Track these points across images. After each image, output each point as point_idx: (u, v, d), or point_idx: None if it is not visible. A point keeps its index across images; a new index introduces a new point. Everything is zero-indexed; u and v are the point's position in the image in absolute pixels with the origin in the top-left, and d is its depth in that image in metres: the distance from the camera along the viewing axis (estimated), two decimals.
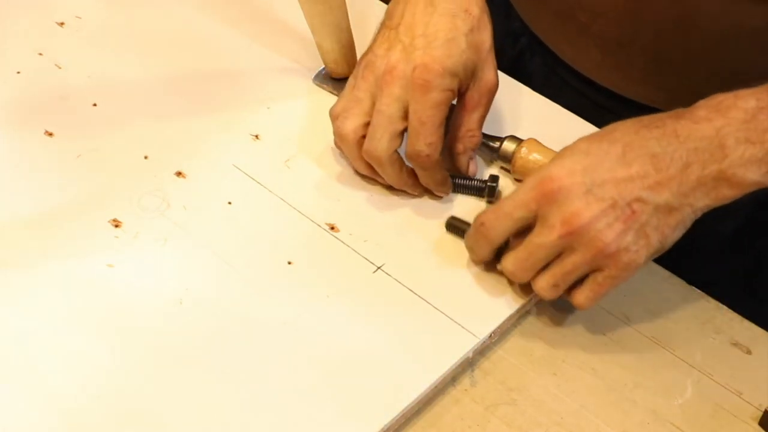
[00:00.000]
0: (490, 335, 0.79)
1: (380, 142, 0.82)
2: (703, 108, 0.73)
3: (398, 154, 0.84)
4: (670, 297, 0.84)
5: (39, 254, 0.81)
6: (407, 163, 0.85)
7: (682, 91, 0.88)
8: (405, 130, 0.83)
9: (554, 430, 0.75)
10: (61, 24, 1.01)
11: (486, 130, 0.91)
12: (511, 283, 0.81)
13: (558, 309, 0.82)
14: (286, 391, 0.74)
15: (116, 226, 0.84)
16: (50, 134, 0.90)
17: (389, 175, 0.85)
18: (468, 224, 0.82)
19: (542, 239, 0.74)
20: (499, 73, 0.97)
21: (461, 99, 0.86)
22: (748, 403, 0.78)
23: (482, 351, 0.79)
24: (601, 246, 0.73)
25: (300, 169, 0.89)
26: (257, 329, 0.78)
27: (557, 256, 0.75)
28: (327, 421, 0.73)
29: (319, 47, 0.95)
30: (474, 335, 0.78)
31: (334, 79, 0.97)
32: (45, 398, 0.72)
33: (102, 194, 0.86)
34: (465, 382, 0.78)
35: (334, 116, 0.86)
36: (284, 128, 0.93)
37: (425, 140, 0.82)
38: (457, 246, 0.84)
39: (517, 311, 0.81)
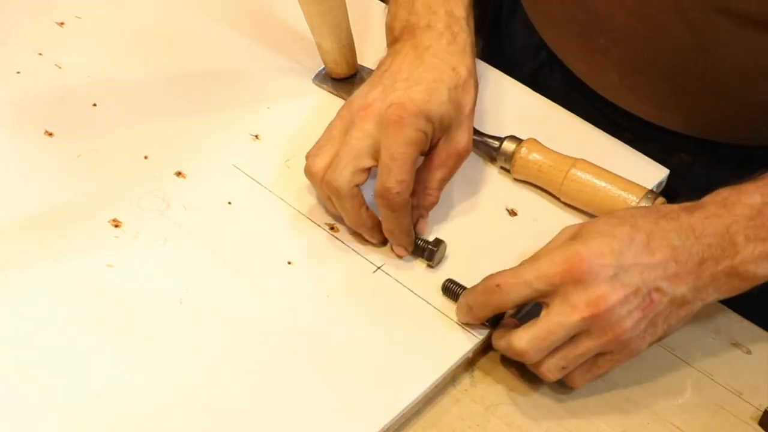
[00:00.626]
0: (490, 335, 0.79)
1: (342, 174, 0.79)
2: (710, 204, 0.74)
3: (359, 191, 0.81)
4: None
5: (39, 254, 0.81)
6: (373, 206, 0.82)
7: (701, 116, 0.88)
8: (370, 169, 0.81)
9: (554, 430, 0.75)
10: (61, 24, 1.01)
11: (486, 130, 0.92)
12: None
13: None
14: (286, 391, 0.74)
15: (116, 226, 0.84)
16: (50, 134, 0.90)
17: (347, 210, 0.81)
18: (463, 288, 0.80)
19: (564, 319, 0.71)
20: (501, 73, 0.98)
21: (428, 154, 0.84)
22: (748, 403, 0.78)
23: (482, 351, 0.79)
24: (618, 332, 0.72)
25: (300, 169, 0.88)
26: (257, 329, 0.78)
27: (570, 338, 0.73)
28: (327, 421, 0.73)
29: (319, 47, 0.95)
30: (474, 335, 0.78)
31: (334, 79, 0.97)
32: (45, 398, 0.73)
33: (102, 194, 0.86)
34: (465, 382, 0.78)
35: (308, 156, 0.83)
36: (284, 128, 0.93)
37: (396, 177, 0.78)
38: (456, 246, 0.84)
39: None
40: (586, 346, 0.73)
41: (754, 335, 0.82)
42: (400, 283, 0.82)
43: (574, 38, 0.91)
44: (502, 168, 0.90)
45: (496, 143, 0.90)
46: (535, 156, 0.88)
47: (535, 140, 0.89)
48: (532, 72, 0.98)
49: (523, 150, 0.88)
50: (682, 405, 0.78)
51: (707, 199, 0.75)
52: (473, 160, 0.91)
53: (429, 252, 0.82)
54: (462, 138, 0.84)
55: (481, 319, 0.77)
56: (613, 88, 0.92)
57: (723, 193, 0.74)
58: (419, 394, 0.75)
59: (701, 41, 0.81)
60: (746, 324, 0.83)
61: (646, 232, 0.73)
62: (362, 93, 0.83)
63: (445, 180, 0.84)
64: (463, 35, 0.86)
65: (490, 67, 0.99)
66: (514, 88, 0.98)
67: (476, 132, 0.91)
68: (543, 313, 0.73)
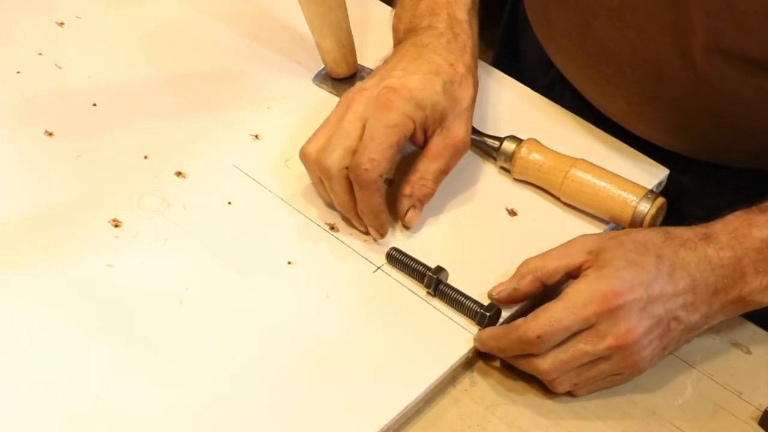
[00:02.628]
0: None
1: (332, 155, 0.81)
2: (723, 234, 0.76)
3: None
4: None
5: (39, 254, 0.81)
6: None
7: (707, 144, 0.89)
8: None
9: (554, 430, 0.75)
10: (61, 24, 1.01)
11: (486, 130, 0.92)
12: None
13: None
14: (286, 390, 0.74)
15: (116, 226, 0.84)
16: (50, 134, 0.90)
17: (336, 192, 0.82)
18: (410, 258, 0.81)
19: (591, 348, 0.74)
20: (501, 74, 0.98)
21: (425, 144, 0.85)
22: (748, 403, 0.78)
23: (482, 351, 0.79)
24: (637, 360, 0.75)
25: (300, 169, 0.88)
26: (257, 329, 0.78)
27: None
28: (327, 421, 0.73)
29: (319, 47, 0.95)
30: (474, 335, 0.78)
31: (334, 79, 0.97)
32: (44, 398, 0.72)
33: (102, 194, 0.86)
34: (465, 382, 0.78)
35: (303, 145, 0.84)
36: (284, 128, 0.93)
37: (369, 155, 0.80)
38: (456, 246, 0.84)
39: (516, 312, 0.81)
40: (602, 369, 0.75)
41: (754, 335, 0.82)
42: (400, 283, 0.82)
43: (582, 66, 0.92)
44: (502, 168, 0.90)
45: (496, 143, 0.90)
46: (535, 156, 0.88)
47: (535, 140, 0.89)
48: (544, 88, 0.99)
49: (523, 150, 0.88)
50: (682, 405, 0.77)
51: (719, 228, 0.77)
52: (473, 160, 0.91)
53: (429, 279, 0.80)
54: (459, 131, 0.85)
55: (507, 356, 0.78)
56: (621, 114, 0.93)
57: (734, 223, 0.76)
58: (419, 394, 0.75)
59: (703, 79, 0.82)
60: (746, 324, 0.82)
61: (670, 263, 0.75)
62: (361, 83, 0.85)
63: (441, 172, 0.85)
64: (464, 36, 0.88)
65: (492, 68, 0.99)
66: (515, 89, 0.98)
67: (476, 132, 0.91)
68: (568, 342, 0.74)
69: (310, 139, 0.83)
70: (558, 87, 1.00)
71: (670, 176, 0.91)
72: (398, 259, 0.82)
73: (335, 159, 0.81)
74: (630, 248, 0.75)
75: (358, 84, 0.85)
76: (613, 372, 0.75)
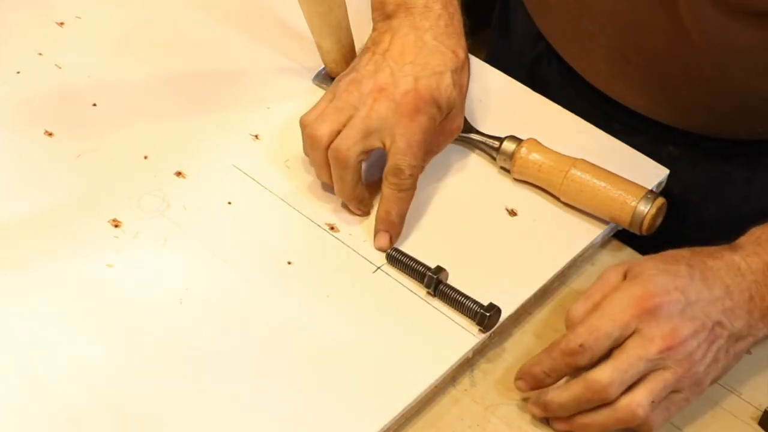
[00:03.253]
0: (490, 335, 0.79)
1: (353, 147, 0.82)
2: (747, 243, 0.77)
3: (361, 166, 0.84)
4: None
5: (39, 254, 0.81)
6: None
7: (684, 107, 0.89)
8: (371, 151, 0.84)
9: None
10: (61, 24, 1.01)
11: (486, 130, 0.92)
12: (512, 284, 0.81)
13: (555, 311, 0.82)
14: (286, 390, 0.74)
15: (116, 226, 0.84)
16: (50, 134, 0.90)
17: (347, 181, 0.83)
18: (410, 258, 0.81)
19: (643, 352, 0.72)
20: (501, 74, 0.98)
21: None
22: (748, 403, 0.78)
23: (482, 351, 0.79)
24: (691, 364, 0.73)
25: (300, 169, 0.89)
26: (257, 329, 0.78)
27: (646, 373, 0.73)
28: (327, 421, 0.73)
29: (319, 47, 0.95)
30: (474, 335, 0.78)
31: (334, 79, 0.96)
32: (44, 398, 0.73)
33: (102, 194, 0.86)
34: (465, 382, 0.78)
35: (307, 122, 0.85)
36: (284, 128, 0.93)
37: (411, 162, 0.82)
38: (456, 246, 0.84)
39: (516, 312, 0.81)
40: (665, 379, 0.73)
41: None
42: (400, 283, 0.82)
43: (564, 23, 0.93)
44: (502, 168, 0.90)
45: (496, 143, 0.90)
46: (535, 156, 0.88)
47: (535, 140, 0.89)
48: (532, 62, 1.00)
49: (523, 150, 0.88)
50: None
51: (743, 239, 0.78)
52: (473, 160, 0.91)
53: (429, 279, 0.80)
54: (457, 118, 0.88)
55: (554, 383, 0.75)
56: (601, 77, 0.94)
57: (756, 233, 0.78)
58: (419, 394, 0.75)
59: (679, 28, 0.83)
60: None
61: (701, 270, 0.75)
62: (369, 74, 0.85)
63: (433, 153, 0.88)
64: (457, 15, 0.90)
65: (492, 68, 0.99)
66: (514, 88, 0.98)
67: (476, 132, 0.91)
68: (618, 350, 0.73)
69: (317, 120, 0.84)
70: (545, 58, 1.02)
71: (650, 146, 0.91)
72: (398, 260, 0.82)
73: (355, 152, 0.82)
74: (660, 260, 0.76)
75: (368, 77, 0.85)
76: (675, 385, 0.73)
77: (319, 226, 0.85)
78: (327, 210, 0.86)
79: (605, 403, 0.72)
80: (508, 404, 0.77)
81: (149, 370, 0.75)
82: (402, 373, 0.76)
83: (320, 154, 0.84)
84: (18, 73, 0.96)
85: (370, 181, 0.87)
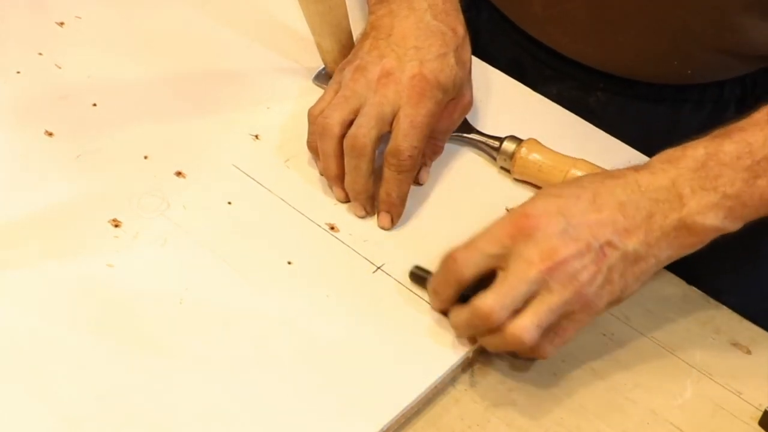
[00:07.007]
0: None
1: (369, 134, 0.82)
2: (656, 161, 0.75)
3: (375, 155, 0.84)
4: (670, 297, 0.84)
5: (39, 254, 0.81)
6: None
7: (621, 51, 0.91)
8: (383, 137, 0.84)
9: (554, 430, 0.75)
10: (61, 24, 1.01)
11: (486, 130, 0.92)
12: None
13: None
14: (286, 391, 0.74)
15: (116, 226, 0.84)
16: (50, 134, 0.90)
17: (362, 170, 0.83)
18: (431, 273, 0.79)
19: (522, 274, 0.71)
20: (501, 74, 0.98)
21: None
22: (748, 403, 0.78)
23: (482, 351, 0.79)
24: (577, 287, 0.71)
25: (300, 169, 0.89)
26: (257, 329, 0.78)
27: (532, 296, 0.72)
28: (327, 421, 0.73)
29: (319, 47, 0.95)
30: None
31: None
32: (44, 398, 0.72)
33: (102, 194, 0.86)
34: (465, 382, 0.78)
35: (316, 113, 0.85)
36: (284, 128, 0.93)
37: (412, 142, 0.82)
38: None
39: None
40: (550, 301, 0.71)
41: (754, 335, 0.82)
42: (400, 283, 0.82)
43: None
44: (502, 168, 0.90)
45: (496, 143, 0.90)
46: (535, 156, 0.88)
47: (535, 140, 0.89)
48: (463, 10, 0.99)
49: (523, 150, 0.88)
50: (682, 405, 0.77)
51: (654, 158, 0.76)
52: (473, 160, 0.91)
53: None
54: (467, 93, 0.89)
55: (449, 299, 0.77)
56: (536, 22, 0.95)
57: (668, 152, 0.75)
58: (419, 395, 0.75)
59: None
60: (746, 324, 0.83)
61: (592, 191, 0.74)
62: (373, 59, 0.85)
63: (450, 131, 0.89)
64: None
65: (492, 68, 0.99)
66: (514, 88, 0.98)
67: (476, 132, 0.91)
68: (501, 274, 0.73)
69: (330, 108, 0.84)
70: (474, 11, 1.02)
71: (579, 92, 0.94)
72: (422, 278, 0.80)
73: (372, 139, 0.83)
74: (552, 186, 0.76)
75: (374, 63, 0.85)
76: (563, 307, 0.71)
77: (319, 226, 0.85)
78: (327, 210, 0.86)
79: (495, 328, 0.73)
80: (508, 404, 0.77)
81: (149, 369, 0.75)
82: (402, 373, 0.76)
83: (333, 143, 0.84)
84: (18, 73, 0.96)
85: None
